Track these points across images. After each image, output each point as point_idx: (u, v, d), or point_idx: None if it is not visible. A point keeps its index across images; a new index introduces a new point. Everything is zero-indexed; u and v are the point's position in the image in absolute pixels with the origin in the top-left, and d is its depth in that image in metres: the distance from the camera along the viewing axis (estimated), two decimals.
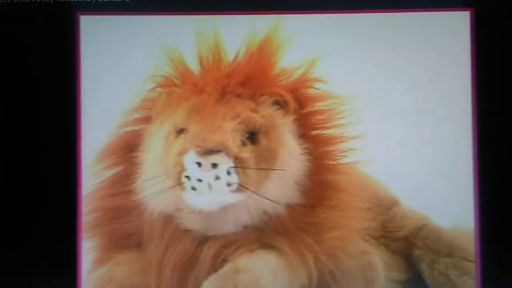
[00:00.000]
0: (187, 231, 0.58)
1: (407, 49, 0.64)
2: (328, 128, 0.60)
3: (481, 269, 0.62)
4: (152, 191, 0.58)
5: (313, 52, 0.60)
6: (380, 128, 0.63)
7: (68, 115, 0.64)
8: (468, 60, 0.64)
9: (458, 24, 0.64)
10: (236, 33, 0.60)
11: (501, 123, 0.64)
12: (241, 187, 0.55)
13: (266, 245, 0.58)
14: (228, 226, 0.58)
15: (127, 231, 0.60)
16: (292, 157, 0.59)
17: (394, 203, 0.65)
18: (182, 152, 0.56)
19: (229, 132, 0.56)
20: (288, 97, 0.59)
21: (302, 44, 0.60)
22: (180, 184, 0.56)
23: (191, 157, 0.55)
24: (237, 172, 0.55)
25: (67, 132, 0.64)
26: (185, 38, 0.63)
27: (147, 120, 0.61)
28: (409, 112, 0.64)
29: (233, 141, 0.56)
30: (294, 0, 0.64)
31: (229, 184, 0.55)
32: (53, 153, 0.64)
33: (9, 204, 0.64)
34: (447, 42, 0.64)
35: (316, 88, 0.60)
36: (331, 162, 0.60)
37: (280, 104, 0.59)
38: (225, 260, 0.57)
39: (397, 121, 0.64)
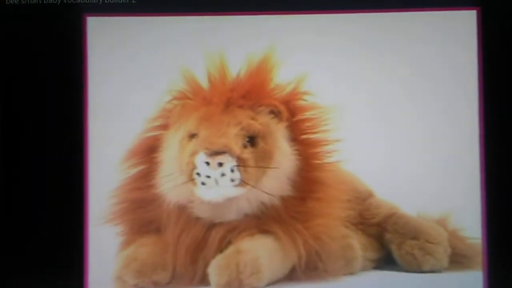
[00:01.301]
0: (198, 219, 0.62)
1: (412, 49, 0.62)
2: (315, 133, 0.63)
3: (488, 268, 0.61)
4: (169, 185, 0.62)
5: (302, 69, 0.62)
6: (370, 131, 0.63)
7: (75, 116, 0.62)
8: (475, 59, 0.61)
9: (464, 23, 0.61)
10: (238, 54, 0.62)
11: (509, 123, 0.61)
12: (243, 182, 0.59)
13: (264, 231, 0.61)
14: (232, 215, 0.61)
15: (149, 218, 0.63)
16: (285, 157, 0.62)
17: (369, 195, 0.68)
18: (193, 153, 0.59)
19: (232, 137, 0.60)
20: (282, 108, 0.63)
21: (293, 63, 0.62)
22: (192, 180, 0.59)
23: (201, 158, 0.59)
24: (239, 170, 0.59)
25: (74, 133, 0.62)
26: (190, 37, 0.62)
27: (165, 127, 0.64)
28: (413, 112, 0.63)
29: (236, 144, 0.59)
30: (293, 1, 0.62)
31: (232, 180, 0.59)
32: (60, 154, 0.62)
33: (14, 205, 0.62)
34: (453, 41, 0.62)
35: (305, 100, 0.63)
36: (318, 161, 0.63)
37: (275, 113, 0.63)
38: (229, 243, 0.61)
39: (399, 122, 0.63)
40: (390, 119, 0.64)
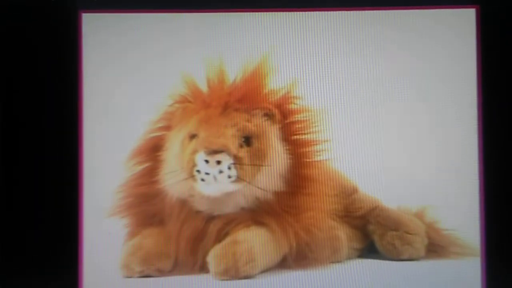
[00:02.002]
0: (198, 212, 0.64)
1: (411, 48, 0.61)
2: (305, 134, 0.66)
3: (486, 265, 0.61)
4: (172, 181, 0.64)
5: (294, 76, 0.65)
6: (367, 131, 0.63)
7: (69, 113, 0.61)
8: (474, 58, 0.60)
9: (463, 22, 0.60)
10: (236, 61, 0.64)
11: (508, 122, 0.60)
12: (239, 179, 0.62)
13: (258, 223, 0.64)
14: (229, 208, 0.64)
15: (152, 211, 0.66)
16: (277, 155, 0.65)
17: (354, 190, 0.69)
18: (194, 152, 0.62)
19: (229, 137, 0.62)
20: (275, 111, 0.65)
21: (286, 70, 0.64)
22: (192, 176, 0.62)
23: (201, 156, 0.61)
24: (236, 168, 0.62)
25: (68, 130, 0.62)
26: (186, 34, 0.62)
27: (168, 128, 0.66)
28: (411, 112, 0.63)
29: (233, 144, 0.62)
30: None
31: (229, 177, 0.62)
32: (55, 152, 0.61)
33: (10, 206, 0.61)
34: (452, 40, 0.60)
35: (296, 104, 0.66)
36: (307, 160, 0.66)
37: (269, 115, 0.65)
38: (227, 234, 0.63)
39: (397, 122, 0.63)
40: (386, 119, 0.64)
